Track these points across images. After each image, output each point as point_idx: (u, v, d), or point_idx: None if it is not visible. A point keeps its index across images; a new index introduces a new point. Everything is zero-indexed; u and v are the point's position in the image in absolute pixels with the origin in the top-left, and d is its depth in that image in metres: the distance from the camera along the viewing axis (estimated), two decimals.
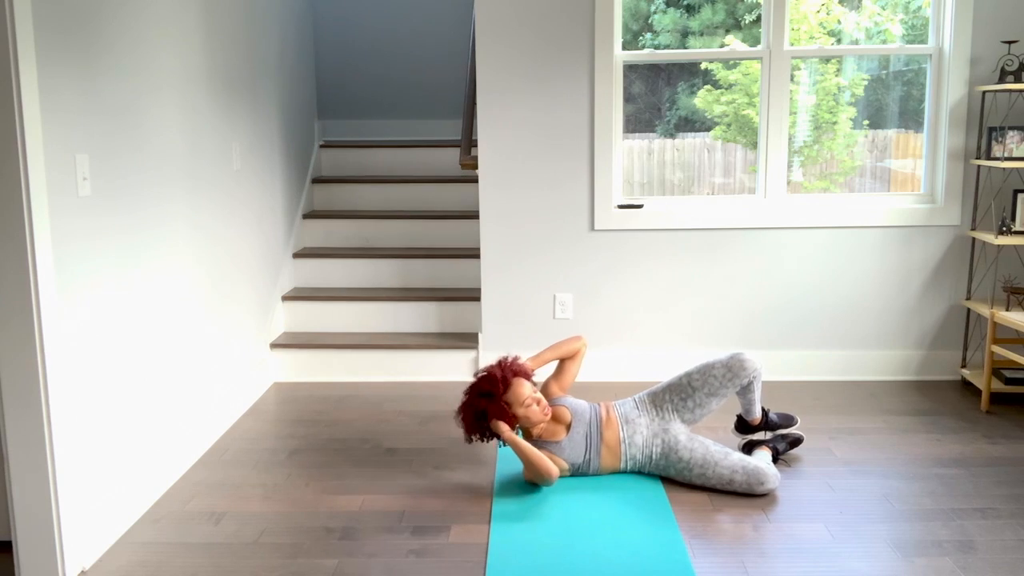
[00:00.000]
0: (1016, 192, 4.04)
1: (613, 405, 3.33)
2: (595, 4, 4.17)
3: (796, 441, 3.45)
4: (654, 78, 4.87)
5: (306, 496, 3.18)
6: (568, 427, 3.24)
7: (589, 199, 4.34)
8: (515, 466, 3.37)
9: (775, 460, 3.32)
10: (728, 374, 3.24)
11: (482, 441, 3.24)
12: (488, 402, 3.14)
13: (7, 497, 2.59)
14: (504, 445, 3.26)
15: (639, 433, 3.24)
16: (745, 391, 3.32)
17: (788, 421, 3.50)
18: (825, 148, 4.84)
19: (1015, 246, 4.26)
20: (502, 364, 3.21)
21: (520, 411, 3.14)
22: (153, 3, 3.19)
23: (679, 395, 3.27)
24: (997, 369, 4.09)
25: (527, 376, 3.22)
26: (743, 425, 3.47)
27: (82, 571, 2.69)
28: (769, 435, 3.49)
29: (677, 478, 3.22)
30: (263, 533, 2.91)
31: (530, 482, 3.22)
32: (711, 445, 3.20)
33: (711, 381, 3.25)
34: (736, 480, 3.11)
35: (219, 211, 3.80)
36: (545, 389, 3.39)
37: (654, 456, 3.23)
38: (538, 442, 3.24)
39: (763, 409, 3.46)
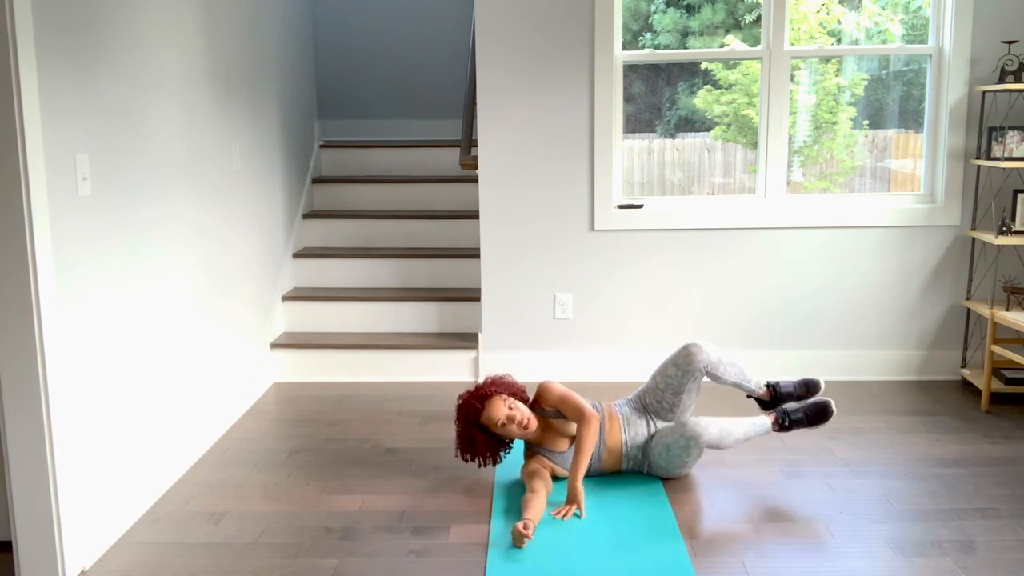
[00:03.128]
0: (1016, 192, 4.04)
1: (615, 406, 3.33)
2: (595, 4, 4.17)
3: (818, 409, 3.26)
4: (654, 78, 4.87)
5: (306, 496, 3.18)
6: (571, 440, 3.22)
7: (589, 199, 4.34)
8: (515, 467, 3.36)
9: (786, 428, 3.24)
10: (678, 371, 3.23)
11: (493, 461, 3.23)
12: (466, 429, 3.15)
13: (7, 497, 2.59)
14: (508, 452, 3.25)
15: (640, 435, 3.24)
16: (717, 380, 3.27)
17: (809, 389, 3.35)
18: (825, 148, 4.84)
19: (1015, 246, 4.25)
20: (472, 390, 3.18)
21: (498, 431, 3.12)
22: (153, 3, 3.19)
23: (653, 397, 3.30)
24: (997, 369, 4.09)
25: (507, 391, 3.18)
26: (760, 403, 3.42)
27: (82, 571, 2.69)
28: (798, 406, 3.32)
29: (671, 473, 3.22)
30: (263, 533, 2.91)
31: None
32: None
33: (669, 380, 3.25)
34: (687, 437, 3.09)
35: (219, 211, 3.80)
36: (544, 394, 3.34)
37: (652, 457, 3.23)
38: (539, 449, 3.23)
39: (769, 382, 3.39)
